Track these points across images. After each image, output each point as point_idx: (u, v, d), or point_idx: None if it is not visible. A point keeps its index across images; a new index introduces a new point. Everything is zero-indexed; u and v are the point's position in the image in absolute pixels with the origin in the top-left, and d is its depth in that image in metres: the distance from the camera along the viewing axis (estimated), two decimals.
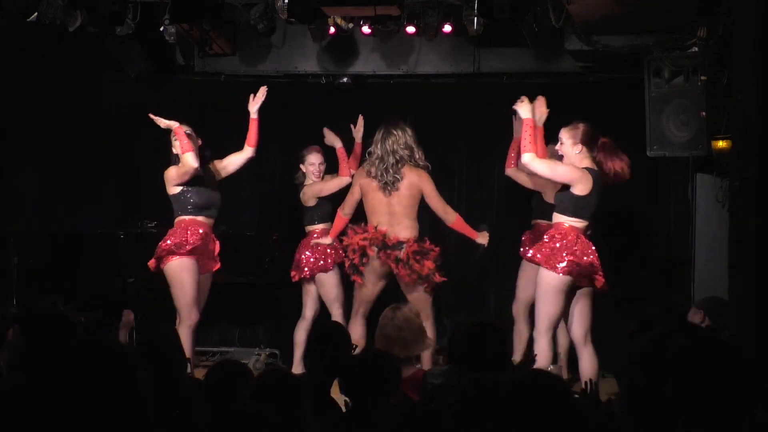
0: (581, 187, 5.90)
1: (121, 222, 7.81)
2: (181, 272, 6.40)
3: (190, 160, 6.40)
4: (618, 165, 6.00)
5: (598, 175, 5.93)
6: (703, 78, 6.32)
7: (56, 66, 7.48)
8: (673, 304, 7.11)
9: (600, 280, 5.96)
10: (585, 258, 5.89)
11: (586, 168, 5.92)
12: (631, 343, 3.86)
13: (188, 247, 6.40)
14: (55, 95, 7.63)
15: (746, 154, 4.81)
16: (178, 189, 6.50)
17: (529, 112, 5.95)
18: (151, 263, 6.49)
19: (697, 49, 6.31)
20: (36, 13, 6.40)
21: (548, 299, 5.95)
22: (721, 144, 6.04)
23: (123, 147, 8.17)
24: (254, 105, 6.66)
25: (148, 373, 3.82)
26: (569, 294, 5.98)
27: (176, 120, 6.65)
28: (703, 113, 6.36)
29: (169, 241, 6.41)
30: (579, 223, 5.96)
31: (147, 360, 3.97)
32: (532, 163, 5.92)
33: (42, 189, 7.77)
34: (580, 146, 5.93)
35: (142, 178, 8.13)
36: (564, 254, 5.86)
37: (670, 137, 6.65)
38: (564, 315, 6.12)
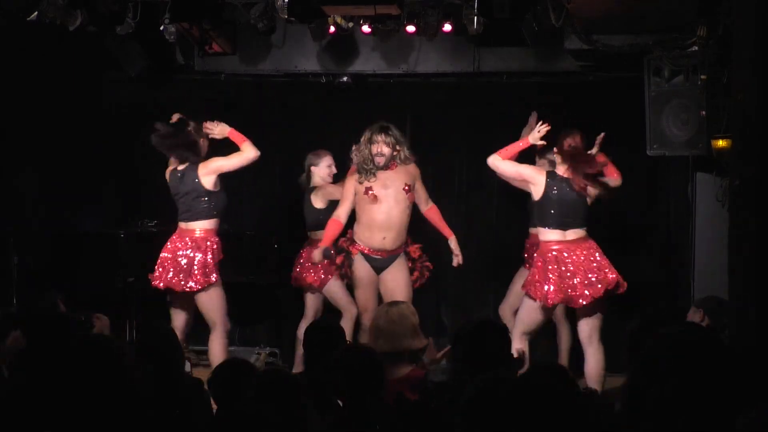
0: (534, 190, 6.05)
1: (121, 222, 7.80)
2: (218, 295, 6.56)
3: (252, 148, 6.52)
4: (578, 179, 6.10)
5: (558, 179, 5.99)
6: (703, 77, 6.32)
7: (56, 66, 7.47)
8: (673, 304, 7.11)
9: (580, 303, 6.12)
10: (567, 283, 6.05)
11: (549, 170, 6.07)
12: (632, 342, 3.85)
13: (216, 270, 6.54)
14: (55, 95, 7.62)
15: (746, 153, 4.81)
16: (218, 187, 6.56)
17: (536, 141, 6.27)
18: (178, 286, 6.54)
19: (697, 48, 6.31)
20: (36, 13, 6.40)
21: (531, 312, 6.18)
22: (721, 143, 6.04)
23: (123, 147, 8.16)
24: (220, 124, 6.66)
25: (148, 372, 3.84)
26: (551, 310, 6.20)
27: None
28: (703, 112, 6.35)
29: (205, 273, 6.49)
30: (547, 233, 6.07)
31: (147, 360, 3.98)
32: (495, 161, 6.26)
33: (42, 189, 7.76)
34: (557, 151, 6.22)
35: (142, 178, 8.13)
36: (546, 284, 6.07)
37: (670, 136, 6.65)
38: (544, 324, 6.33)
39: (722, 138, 6.01)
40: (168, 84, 7.99)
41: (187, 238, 6.55)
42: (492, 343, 4.15)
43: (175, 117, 6.62)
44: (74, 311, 5.40)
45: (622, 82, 7.31)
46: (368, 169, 6.79)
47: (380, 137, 6.77)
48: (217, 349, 6.56)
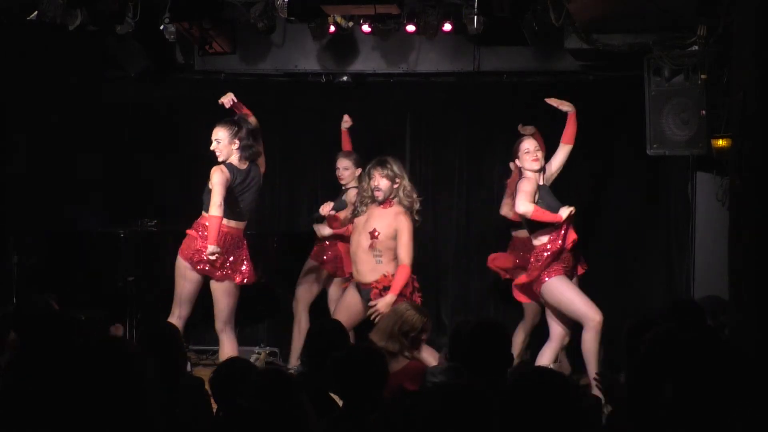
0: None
1: (121, 221, 7.80)
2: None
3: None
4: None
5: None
6: (703, 77, 6.33)
7: (56, 65, 7.47)
8: (673, 303, 7.11)
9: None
10: None
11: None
12: (631, 342, 3.85)
13: None
14: (55, 94, 7.63)
15: (746, 153, 4.81)
16: None
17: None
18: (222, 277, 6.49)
19: (697, 47, 6.31)
20: (36, 12, 6.41)
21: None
22: (721, 143, 6.04)
23: (123, 146, 8.17)
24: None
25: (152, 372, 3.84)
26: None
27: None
28: (703, 112, 6.36)
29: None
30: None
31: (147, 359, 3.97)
32: (525, 210, 6.21)
33: (41, 188, 7.77)
34: None
35: (142, 178, 8.13)
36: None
37: (670, 136, 6.66)
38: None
39: (722, 138, 6.02)
40: (168, 83, 7.99)
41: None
42: (494, 344, 4.14)
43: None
44: (73, 310, 5.41)
45: (623, 81, 7.30)
46: (364, 201, 6.61)
47: (377, 171, 6.50)
48: (233, 347, 6.53)
